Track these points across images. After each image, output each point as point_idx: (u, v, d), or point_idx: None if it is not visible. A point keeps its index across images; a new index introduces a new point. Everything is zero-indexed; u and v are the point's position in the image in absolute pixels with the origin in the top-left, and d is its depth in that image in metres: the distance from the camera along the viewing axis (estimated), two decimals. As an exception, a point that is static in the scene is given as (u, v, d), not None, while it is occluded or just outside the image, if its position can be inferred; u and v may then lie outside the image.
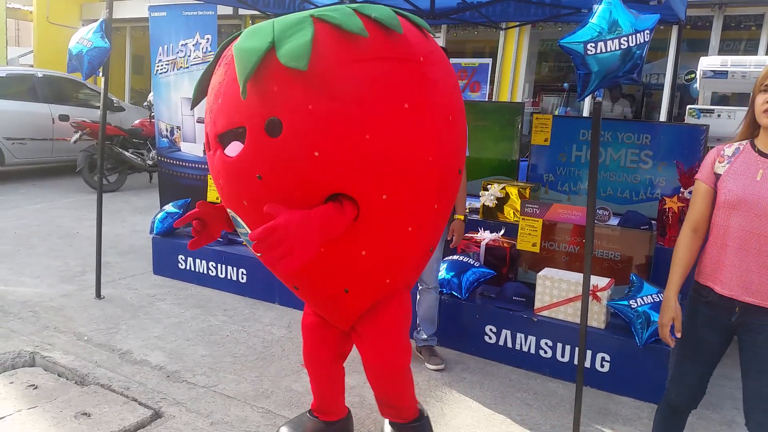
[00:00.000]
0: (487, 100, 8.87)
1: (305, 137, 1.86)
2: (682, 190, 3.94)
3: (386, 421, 2.61)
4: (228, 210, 2.21)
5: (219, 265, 4.59)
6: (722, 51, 7.65)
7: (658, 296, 3.23)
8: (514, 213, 4.42)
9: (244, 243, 2.36)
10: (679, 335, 2.12)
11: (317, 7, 5.29)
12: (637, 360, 3.17)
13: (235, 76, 1.88)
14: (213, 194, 4.98)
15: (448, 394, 3.19)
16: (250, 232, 2.09)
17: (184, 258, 4.74)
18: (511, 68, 9.19)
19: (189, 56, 5.45)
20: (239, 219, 2.15)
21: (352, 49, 1.89)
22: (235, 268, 4.52)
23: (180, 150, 5.75)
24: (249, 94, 1.87)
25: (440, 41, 9.59)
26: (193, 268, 4.70)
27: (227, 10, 9.83)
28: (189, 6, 5.45)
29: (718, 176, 2.05)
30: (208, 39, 5.34)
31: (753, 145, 2.02)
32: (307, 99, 1.85)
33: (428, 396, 3.13)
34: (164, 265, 4.86)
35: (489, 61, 9.46)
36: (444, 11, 4.79)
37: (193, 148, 5.66)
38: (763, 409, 2.00)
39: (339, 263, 2.13)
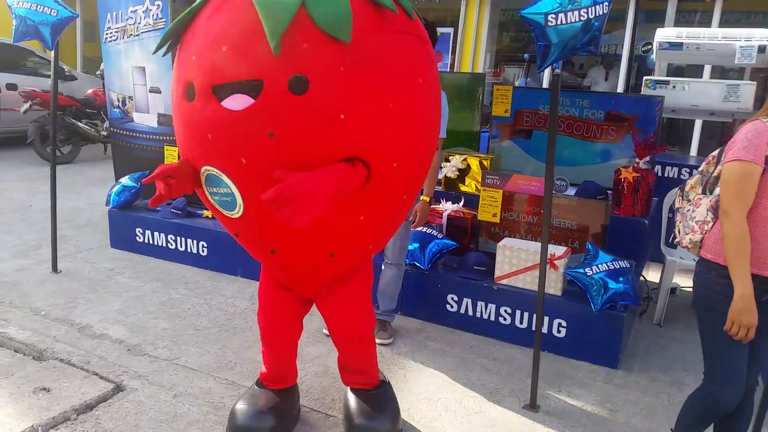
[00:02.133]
0: (448, 70, 8.87)
1: (333, 98, 1.84)
2: (637, 160, 4.03)
3: (348, 389, 2.64)
4: (207, 168, 2.00)
5: (179, 237, 4.52)
6: (678, 23, 7.78)
7: (612, 264, 3.34)
8: (475, 184, 4.47)
9: (209, 205, 2.10)
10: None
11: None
12: (592, 325, 3.28)
13: (248, 24, 1.79)
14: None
15: (411, 361, 3.25)
16: (231, 192, 1.98)
17: (142, 231, 4.66)
18: (473, 38, 9.18)
19: (139, 23, 5.24)
20: (223, 177, 1.98)
21: (381, 18, 1.92)
22: (195, 241, 4.46)
23: (133, 120, 5.57)
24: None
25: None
26: (151, 241, 4.63)
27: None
28: None
29: None
30: (158, 5, 5.12)
31: None
32: (340, 60, 1.82)
33: (392, 364, 3.19)
34: (122, 238, 4.77)
35: (451, 30, 9.38)
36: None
37: (146, 119, 5.48)
38: None
39: (335, 227, 2.09)
